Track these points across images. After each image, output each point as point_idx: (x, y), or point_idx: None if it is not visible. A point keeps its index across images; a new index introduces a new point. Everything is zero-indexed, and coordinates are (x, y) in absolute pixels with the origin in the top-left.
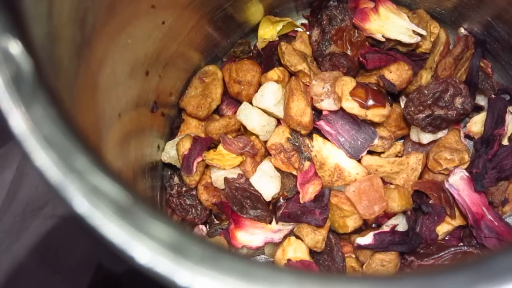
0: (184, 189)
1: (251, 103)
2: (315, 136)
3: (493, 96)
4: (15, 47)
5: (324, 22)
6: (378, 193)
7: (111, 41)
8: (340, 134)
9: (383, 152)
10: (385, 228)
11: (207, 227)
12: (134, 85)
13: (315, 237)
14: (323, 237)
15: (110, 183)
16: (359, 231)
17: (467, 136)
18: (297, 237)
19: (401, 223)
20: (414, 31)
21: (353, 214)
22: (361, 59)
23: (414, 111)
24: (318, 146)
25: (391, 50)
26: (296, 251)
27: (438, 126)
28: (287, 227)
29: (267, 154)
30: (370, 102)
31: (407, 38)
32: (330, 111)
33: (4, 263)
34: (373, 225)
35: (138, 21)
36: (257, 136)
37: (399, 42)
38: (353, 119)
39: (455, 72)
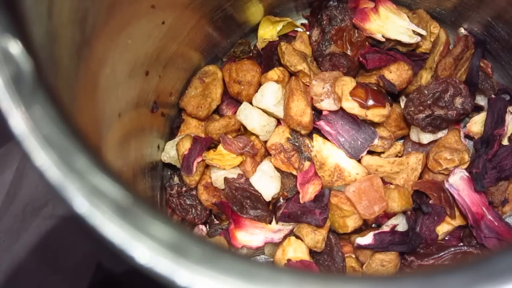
0: (184, 189)
1: (251, 103)
2: (315, 136)
3: (493, 96)
4: (15, 47)
5: (324, 22)
6: (378, 193)
7: (111, 41)
8: (340, 134)
9: (383, 152)
10: (385, 228)
11: (207, 227)
12: (134, 85)
13: (315, 237)
14: (323, 237)
15: (110, 183)
16: (359, 231)
17: (467, 136)
18: (297, 237)
19: (401, 223)
20: (414, 31)
21: (353, 214)
22: (361, 59)
23: (414, 111)
24: (318, 146)
25: (391, 50)
26: (296, 251)
27: (438, 126)
28: (287, 227)
29: (267, 154)
30: (370, 102)
31: (407, 38)
32: (330, 111)
33: (4, 263)
34: (373, 225)
35: (138, 21)
36: (257, 136)
37: (399, 42)
38: (353, 119)
39: (455, 72)
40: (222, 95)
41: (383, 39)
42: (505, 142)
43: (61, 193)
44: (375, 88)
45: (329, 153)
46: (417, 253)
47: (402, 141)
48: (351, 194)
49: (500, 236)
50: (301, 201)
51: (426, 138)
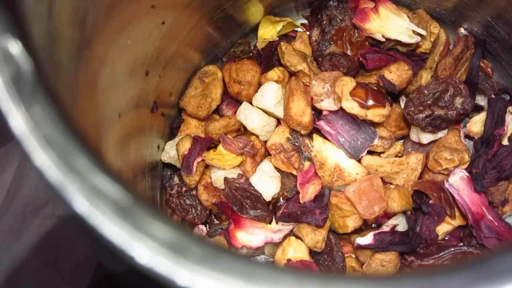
0: (184, 189)
1: (251, 103)
2: (315, 136)
3: (493, 96)
4: (15, 47)
5: (324, 22)
6: (378, 193)
7: (111, 41)
8: (340, 134)
9: (383, 152)
10: (385, 228)
11: (207, 227)
12: (134, 85)
13: (315, 237)
14: (323, 237)
15: (110, 183)
16: (359, 231)
17: (467, 136)
18: (297, 237)
19: (401, 223)
20: (414, 31)
21: (353, 214)
22: (361, 59)
23: (414, 111)
24: (318, 146)
25: (391, 50)
26: (296, 251)
27: (438, 126)
28: (287, 227)
29: (267, 154)
30: (370, 102)
31: (407, 38)
32: (330, 111)
33: (4, 263)
34: (373, 225)
35: (138, 21)
36: (257, 136)
37: (399, 42)
38: (353, 119)
39: (455, 72)
40: (222, 95)
41: (383, 39)
42: (505, 142)
43: (61, 193)
44: (375, 88)
45: (329, 153)
46: (417, 253)
47: (402, 141)
48: (351, 194)
49: (500, 236)
50: (301, 201)
51: (426, 138)
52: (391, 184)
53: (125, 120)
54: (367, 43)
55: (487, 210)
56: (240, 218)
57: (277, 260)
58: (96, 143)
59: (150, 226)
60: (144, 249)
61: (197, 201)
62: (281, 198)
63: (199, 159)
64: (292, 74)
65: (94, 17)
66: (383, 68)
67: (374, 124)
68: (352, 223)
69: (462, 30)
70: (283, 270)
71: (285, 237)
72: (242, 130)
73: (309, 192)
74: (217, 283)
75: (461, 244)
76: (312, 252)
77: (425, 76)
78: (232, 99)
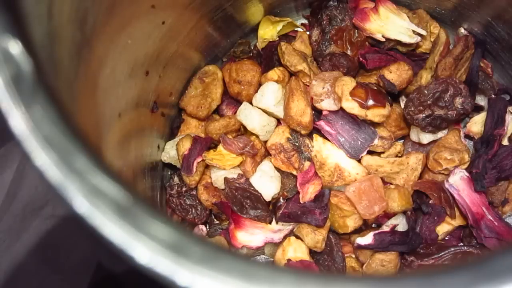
0: (184, 189)
1: (251, 103)
2: (315, 136)
3: (493, 96)
4: (15, 47)
5: (324, 22)
6: (378, 193)
7: (111, 41)
8: (340, 134)
9: (383, 152)
10: (385, 228)
11: (207, 227)
12: (134, 85)
13: (315, 237)
14: (323, 237)
15: (110, 183)
16: (359, 231)
17: (467, 136)
18: (297, 237)
19: (401, 223)
20: (414, 31)
21: (353, 214)
22: (361, 59)
23: (414, 111)
24: (318, 146)
25: (391, 50)
26: (296, 251)
27: (438, 126)
28: (287, 227)
29: (267, 154)
30: (370, 102)
31: (407, 38)
32: (330, 111)
33: (4, 263)
34: (373, 225)
35: (138, 21)
36: (257, 136)
37: (399, 42)
38: (353, 119)
39: (455, 72)
40: (222, 95)
41: (383, 39)
42: (505, 142)
43: (61, 193)
44: (375, 88)
45: (329, 153)
46: (417, 253)
47: (402, 141)
48: (351, 194)
49: (500, 236)
50: (301, 201)
51: (426, 138)
52: (391, 184)
53: (125, 120)
54: (367, 43)
55: (487, 210)
56: (240, 218)
57: (277, 260)
58: (96, 143)
59: (150, 226)
60: (144, 249)
61: (197, 201)
62: (281, 198)
63: (199, 159)
64: (292, 74)
65: (94, 17)
66: (383, 68)
67: (374, 124)
68: (352, 223)
69: (462, 30)
70: (283, 270)
71: (285, 237)
72: (242, 130)
73: (309, 192)
74: (217, 283)
75: (461, 244)
76: (312, 252)
77: (425, 76)
78: (232, 99)
